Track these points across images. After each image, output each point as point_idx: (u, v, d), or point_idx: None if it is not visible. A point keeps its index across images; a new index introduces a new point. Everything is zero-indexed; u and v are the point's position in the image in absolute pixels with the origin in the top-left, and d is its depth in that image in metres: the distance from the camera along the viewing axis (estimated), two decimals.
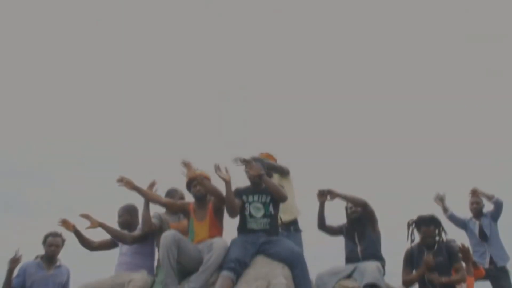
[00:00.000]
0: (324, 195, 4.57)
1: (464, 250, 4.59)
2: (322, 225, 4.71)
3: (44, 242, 4.87)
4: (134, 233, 4.41)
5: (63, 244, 5.00)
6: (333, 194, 4.51)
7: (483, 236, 5.54)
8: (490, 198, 5.65)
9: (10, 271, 4.62)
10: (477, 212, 5.73)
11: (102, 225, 4.30)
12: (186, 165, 4.15)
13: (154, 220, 4.36)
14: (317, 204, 4.65)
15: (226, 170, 3.99)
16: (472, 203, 5.79)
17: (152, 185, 4.41)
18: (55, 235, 4.90)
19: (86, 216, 4.27)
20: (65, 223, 4.44)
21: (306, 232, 5.00)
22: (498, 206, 5.61)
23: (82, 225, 4.45)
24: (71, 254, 5.20)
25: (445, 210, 5.75)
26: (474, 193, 5.74)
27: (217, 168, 3.97)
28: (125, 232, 4.47)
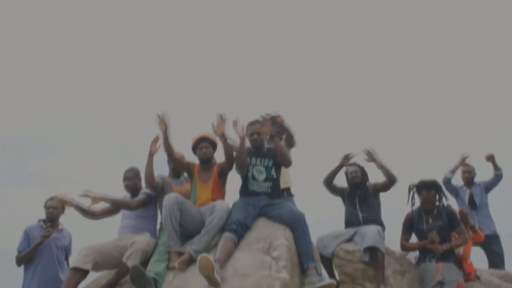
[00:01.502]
0: (348, 158, 4.66)
1: (463, 214, 4.62)
2: (329, 181, 4.76)
3: (45, 206, 4.89)
4: (138, 198, 4.37)
5: (63, 208, 5.01)
6: (371, 156, 4.60)
7: (473, 205, 5.59)
8: (498, 169, 5.68)
9: (38, 244, 4.63)
10: (469, 181, 5.78)
11: (103, 199, 4.25)
12: (222, 120, 4.08)
13: (157, 179, 4.33)
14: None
15: (242, 128, 4.01)
16: (464, 172, 5.83)
17: (156, 141, 4.32)
18: (53, 198, 4.94)
19: (86, 195, 4.18)
20: (62, 201, 4.39)
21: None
22: (498, 179, 5.66)
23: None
24: (70, 220, 5.24)
25: (453, 171, 5.75)
26: (490, 158, 5.71)
27: (235, 124, 3.99)
28: (128, 199, 4.44)
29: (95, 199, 4.18)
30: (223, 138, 4.06)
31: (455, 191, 5.80)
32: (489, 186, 5.69)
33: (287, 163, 4.14)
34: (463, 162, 5.76)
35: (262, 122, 4.08)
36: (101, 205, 4.53)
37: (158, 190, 4.36)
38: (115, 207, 4.50)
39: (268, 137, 4.07)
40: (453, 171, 5.77)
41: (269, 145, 4.30)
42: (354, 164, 4.77)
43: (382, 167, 4.58)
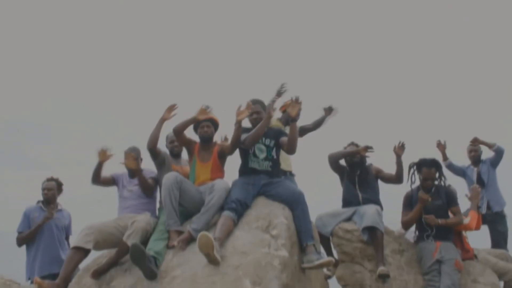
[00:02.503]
0: (366, 150, 4.55)
1: (475, 189, 4.74)
2: (336, 159, 4.72)
3: (42, 187, 4.92)
4: (151, 186, 4.37)
5: (59, 188, 5.02)
6: (400, 150, 4.55)
7: (481, 182, 5.59)
8: (491, 146, 5.67)
9: (39, 226, 4.71)
10: (476, 159, 5.79)
11: (138, 171, 4.25)
12: (204, 110, 4.07)
13: (159, 147, 4.31)
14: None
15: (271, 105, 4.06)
16: (470, 151, 5.84)
17: (171, 108, 4.24)
18: (49, 179, 4.97)
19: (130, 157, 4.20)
20: (103, 153, 4.29)
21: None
22: (499, 153, 5.64)
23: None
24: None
25: (445, 158, 5.79)
26: (475, 142, 5.74)
27: (249, 105, 4.01)
28: (151, 183, 4.39)
29: (133, 164, 4.21)
30: (239, 125, 3.99)
31: (461, 172, 5.82)
32: (494, 162, 5.69)
33: (292, 151, 4.03)
34: (441, 147, 5.77)
35: (294, 103, 3.88)
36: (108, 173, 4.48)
37: (158, 158, 4.32)
38: (113, 177, 4.50)
39: (291, 119, 3.88)
40: (445, 158, 5.79)
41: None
42: (352, 144, 4.76)
43: (400, 165, 4.56)
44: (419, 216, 4.34)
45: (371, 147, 4.53)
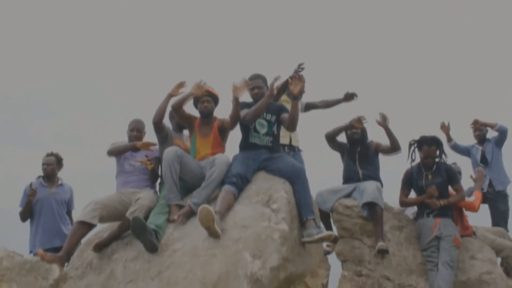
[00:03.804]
0: (360, 121, 4.53)
1: (480, 171, 4.81)
2: (333, 137, 4.72)
3: (42, 162, 4.95)
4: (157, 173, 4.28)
5: (59, 163, 5.02)
6: (385, 121, 4.51)
7: (484, 161, 5.60)
8: (492, 126, 5.66)
9: (28, 203, 4.75)
10: (481, 138, 5.80)
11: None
12: (199, 85, 4.02)
13: (164, 122, 4.29)
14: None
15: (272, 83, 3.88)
16: (475, 130, 5.85)
17: (180, 85, 4.19)
18: (48, 154, 5.00)
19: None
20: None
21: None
22: (502, 132, 5.64)
23: None
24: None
25: (449, 139, 5.79)
26: (475, 124, 5.73)
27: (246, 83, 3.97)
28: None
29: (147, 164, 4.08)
30: (236, 101, 3.96)
31: (466, 151, 5.83)
32: (498, 142, 5.70)
33: (292, 129, 4.04)
34: (445, 129, 5.76)
35: (297, 81, 3.84)
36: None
37: (161, 133, 4.29)
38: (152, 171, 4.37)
39: (293, 96, 3.83)
40: (449, 140, 5.79)
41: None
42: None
43: (391, 134, 4.52)
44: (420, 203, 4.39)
45: (363, 117, 4.49)
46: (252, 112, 3.91)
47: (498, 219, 5.40)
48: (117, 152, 4.28)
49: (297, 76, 3.86)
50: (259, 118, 4.02)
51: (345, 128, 4.63)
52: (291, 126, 3.98)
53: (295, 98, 3.83)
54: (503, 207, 5.47)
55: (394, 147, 4.55)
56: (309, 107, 5.12)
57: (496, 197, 5.41)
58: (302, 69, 4.21)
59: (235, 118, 4.03)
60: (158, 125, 4.24)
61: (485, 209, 5.39)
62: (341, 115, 4.82)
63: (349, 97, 5.00)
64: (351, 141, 4.67)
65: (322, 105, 5.16)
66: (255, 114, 3.92)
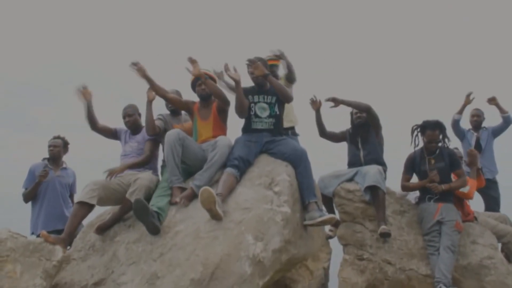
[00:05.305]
0: (316, 102, 4.63)
1: (472, 154, 4.66)
2: (322, 132, 4.77)
3: (48, 145, 4.94)
4: (146, 151, 4.30)
5: (65, 146, 5.03)
6: (336, 101, 4.47)
7: (478, 148, 5.57)
8: (504, 112, 5.62)
9: (37, 184, 4.74)
10: (477, 125, 5.76)
11: (122, 168, 4.13)
12: (192, 62, 3.97)
13: (157, 123, 4.31)
14: (313, 113, 4.72)
15: (235, 70, 3.90)
16: (473, 116, 5.80)
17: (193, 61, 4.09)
18: (55, 137, 4.98)
19: (110, 174, 4.03)
20: (84, 92, 4.27)
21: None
22: (507, 122, 5.62)
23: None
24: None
25: (460, 112, 5.69)
26: (492, 100, 5.63)
27: (227, 68, 3.89)
28: (138, 158, 4.27)
29: (115, 173, 4.06)
30: (203, 78, 3.98)
31: (462, 134, 5.77)
32: (497, 131, 5.68)
33: (288, 99, 4.08)
34: (468, 99, 5.64)
35: (253, 65, 3.95)
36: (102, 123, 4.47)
37: (161, 134, 4.31)
38: (115, 130, 4.51)
39: (261, 77, 3.97)
40: (460, 112, 5.70)
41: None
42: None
43: (350, 104, 4.50)
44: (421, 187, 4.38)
45: (332, 98, 4.46)
46: (236, 107, 3.96)
47: (492, 204, 5.44)
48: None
49: (249, 64, 4.02)
50: (259, 102, 4.03)
51: (316, 116, 4.71)
52: (284, 97, 4.05)
53: (264, 77, 3.97)
54: (494, 193, 5.51)
55: (360, 110, 4.53)
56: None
57: (487, 184, 5.40)
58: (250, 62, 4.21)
59: (215, 93, 4.06)
60: (154, 134, 4.28)
61: (477, 195, 5.43)
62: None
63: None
64: (354, 126, 4.65)
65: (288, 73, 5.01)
66: (238, 108, 3.95)
